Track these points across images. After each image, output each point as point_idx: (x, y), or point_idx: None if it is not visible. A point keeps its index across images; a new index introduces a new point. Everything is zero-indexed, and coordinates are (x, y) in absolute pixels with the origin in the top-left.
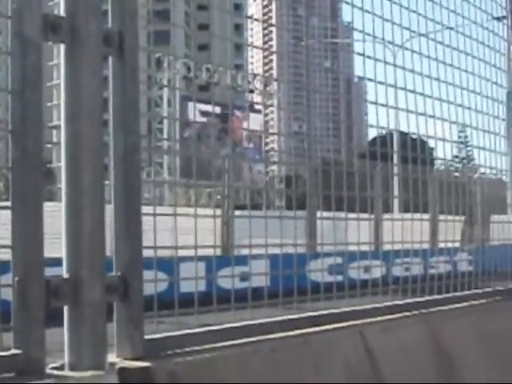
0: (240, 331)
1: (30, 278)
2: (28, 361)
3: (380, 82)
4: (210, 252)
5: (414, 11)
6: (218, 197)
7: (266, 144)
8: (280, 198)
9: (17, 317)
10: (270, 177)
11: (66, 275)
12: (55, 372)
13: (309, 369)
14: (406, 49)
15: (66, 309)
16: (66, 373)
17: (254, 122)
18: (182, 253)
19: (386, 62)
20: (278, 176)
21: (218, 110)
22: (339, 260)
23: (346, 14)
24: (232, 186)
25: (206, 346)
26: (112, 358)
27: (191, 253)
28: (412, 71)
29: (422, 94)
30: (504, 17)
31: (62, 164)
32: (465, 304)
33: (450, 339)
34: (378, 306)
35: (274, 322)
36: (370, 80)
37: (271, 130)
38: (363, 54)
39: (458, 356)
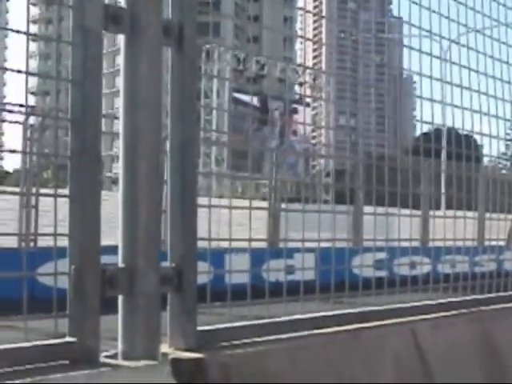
0: (291, 325)
1: (87, 267)
2: (82, 349)
3: (429, 77)
4: (256, 244)
5: (463, 4)
6: (265, 189)
7: (314, 137)
8: (326, 191)
9: (72, 305)
10: (317, 170)
11: (121, 265)
12: (109, 361)
13: (359, 365)
14: (456, 43)
15: (120, 298)
16: (120, 362)
17: (304, 115)
18: (226, 244)
19: (435, 57)
20: (325, 170)
21: (269, 103)
22: (383, 255)
23: (397, 7)
24: (279, 179)
25: (257, 339)
26: (164, 348)
27: (237, 244)
28: (460, 66)
29: (469, 89)
30: None
31: (120, 154)
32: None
33: (500, 338)
34: (428, 303)
35: (325, 317)
36: (419, 74)
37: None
38: (416, 49)
39: (509, 356)
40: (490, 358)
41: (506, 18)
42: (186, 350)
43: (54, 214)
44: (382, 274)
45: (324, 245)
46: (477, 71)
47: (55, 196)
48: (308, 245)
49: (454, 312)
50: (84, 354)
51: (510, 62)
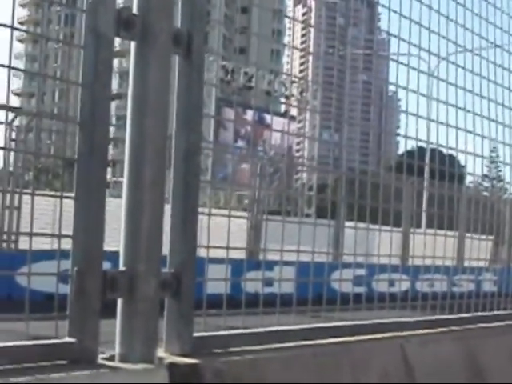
0: (283, 335)
1: (89, 269)
2: (81, 350)
3: (415, 91)
4: (236, 255)
5: (454, 22)
6: (247, 201)
7: (298, 151)
8: (309, 205)
9: (73, 306)
10: (300, 184)
11: (122, 268)
12: (107, 362)
13: (348, 377)
14: (444, 59)
15: (119, 302)
16: (118, 364)
17: (289, 128)
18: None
19: (422, 72)
20: (307, 184)
21: (251, 114)
22: (362, 272)
23: (386, 23)
24: (262, 190)
25: (251, 348)
26: (160, 352)
27: (217, 255)
28: (448, 83)
29: (455, 107)
30: None
31: (126, 159)
32: (501, 323)
33: (484, 357)
34: (417, 319)
35: (316, 329)
36: (406, 89)
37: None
38: (404, 63)
39: (492, 375)
40: (474, 376)
41: (499, 39)
42: (182, 355)
43: (31, 215)
44: (361, 290)
45: (304, 259)
46: (464, 89)
47: (32, 194)
48: (288, 258)
49: (441, 329)
50: (83, 354)
51: (498, 81)
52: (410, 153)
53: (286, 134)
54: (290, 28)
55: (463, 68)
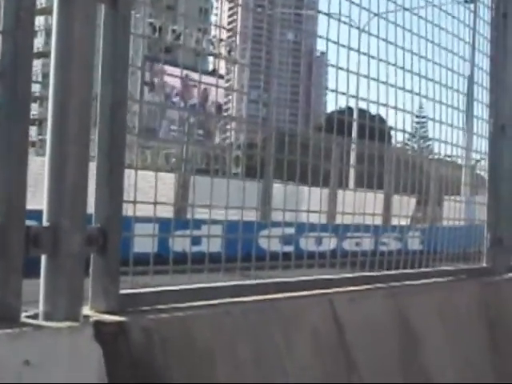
0: (212, 292)
1: (11, 225)
2: (3, 308)
3: (343, 45)
4: (164, 215)
5: None
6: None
7: (226, 110)
8: (236, 165)
9: None
10: (228, 143)
11: (46, 223)
12: (30, 321)
13: (278, 334)
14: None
15: (43, 258)
16: (41, 322)
17: (214, 92)
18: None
19: (353, 27)
20: (235, 143)
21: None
22: (291, 230)
23: None
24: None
25: (179, 305)
26: (86, 310)
27: (144, 214)
28: (378, 38)
29: (386, 62)
30: (467, 1)
31: (49, 114)
32: (429, 281)
33: (413, 315)
34: (346, 276)
35: (245, 286)
36: (335, 43)
37: (230, 97)
38: (335, 17)
39: (421, 332)
40: (403, 333)
41: None
42: (108, 313)
43: None
44: (290, 248)
45: (232, 218)
46: (395, 45)
47: None
48: (216, 218)
49: (370, 286)
50: (5, 312)
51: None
52: (339, 113)
53: (215, 93)
54: None
55: (395, 24)
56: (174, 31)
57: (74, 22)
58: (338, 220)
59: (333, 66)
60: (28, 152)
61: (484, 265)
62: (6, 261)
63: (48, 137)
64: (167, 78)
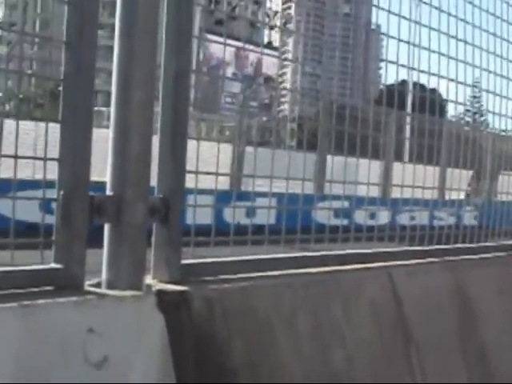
0: (273, 264)
1: (75, 193)
2: (68, 276)
3: (395, 14)
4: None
5: None
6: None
7: (281, 83)
8: (291, 137)
9: (59, 232)
10: (282, 116)
11: (109, 193)
12: (94, 289)
13: (337, 306)
14: None
15: (107, 227)
16: (105, 291)
17: (270, 64)
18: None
19: None
20: (290, 116)
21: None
22: (346, 204)
23: None
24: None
25: (241, 275)
26: (148, 279)
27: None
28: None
29: (439, 31)
30: None
31: (113, 81)
32: (487, 255)
33: (471, 288)
34: (405, 249)
35: (305, 257)
36: (390, 13)
37: (285, 70)
38: None
39: (478, 304)
40: (461, 307)
41: None
42: (170, 283)
43: (16, 142)
44: (342, 222)
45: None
46: (449, 14)
47: None
48: (265, 190)
49: (428, 259)
50: (69, 281)
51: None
52: (392, 86)
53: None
54: None
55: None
56: (229, 3)
57: None
58: (394, 194)
59: (393, 37)
60: (92, 123)
61: None
62: (71, 229)
63: (112, 106)
64: (222, 50)
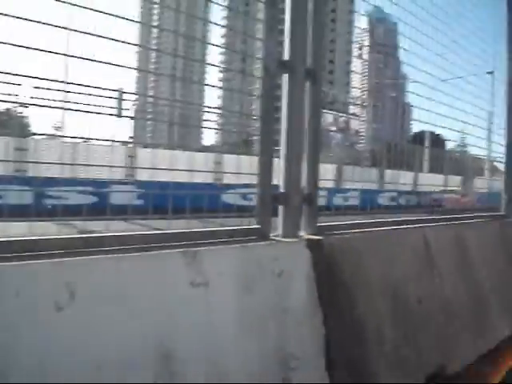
0: (365, 225)
1: (265, 191)
2: (261, 231)
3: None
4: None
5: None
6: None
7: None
8: (366, 160)
9: (258, 209)
10: (361, 149)
11: (282, 190)
12: (275, 238)
13: (397, 248)
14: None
15: (281, 208)
16: (281, 239)
17: (355, 123)
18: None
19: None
20: (365, 149)
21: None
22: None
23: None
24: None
25: (350, 231)
26: (302, 233)
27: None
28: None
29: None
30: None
31: (282, 130)
32: (472, 220)
33: (465, 237)
34: (431, 217)
35: (376, 223)
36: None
37: (362, 126)
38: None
39: (469, 246)
40: (460, 248)
41: None
42: (313, 235)
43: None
44: (390, 203)
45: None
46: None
47: None
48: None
49: (441, 223)
50: (261, 234)
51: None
52: (416, 133)
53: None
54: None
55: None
56: (333, 95)
57: (294, 91)
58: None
59: (419, 107)
60: (273, 154)
61: (502, 212)
62: (264, 208)
63: (282, 134)
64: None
